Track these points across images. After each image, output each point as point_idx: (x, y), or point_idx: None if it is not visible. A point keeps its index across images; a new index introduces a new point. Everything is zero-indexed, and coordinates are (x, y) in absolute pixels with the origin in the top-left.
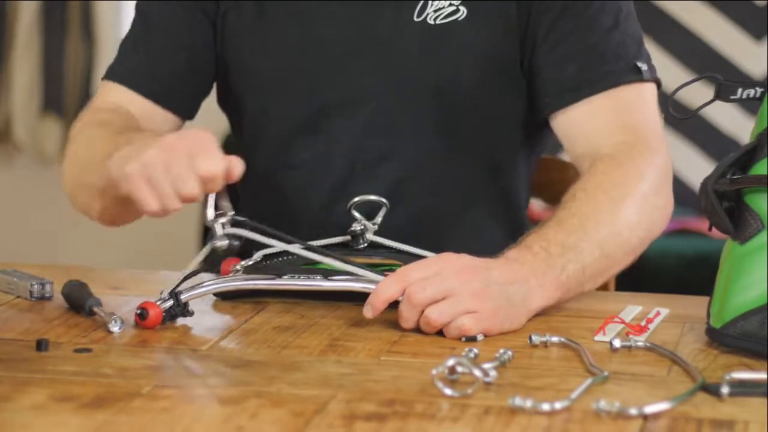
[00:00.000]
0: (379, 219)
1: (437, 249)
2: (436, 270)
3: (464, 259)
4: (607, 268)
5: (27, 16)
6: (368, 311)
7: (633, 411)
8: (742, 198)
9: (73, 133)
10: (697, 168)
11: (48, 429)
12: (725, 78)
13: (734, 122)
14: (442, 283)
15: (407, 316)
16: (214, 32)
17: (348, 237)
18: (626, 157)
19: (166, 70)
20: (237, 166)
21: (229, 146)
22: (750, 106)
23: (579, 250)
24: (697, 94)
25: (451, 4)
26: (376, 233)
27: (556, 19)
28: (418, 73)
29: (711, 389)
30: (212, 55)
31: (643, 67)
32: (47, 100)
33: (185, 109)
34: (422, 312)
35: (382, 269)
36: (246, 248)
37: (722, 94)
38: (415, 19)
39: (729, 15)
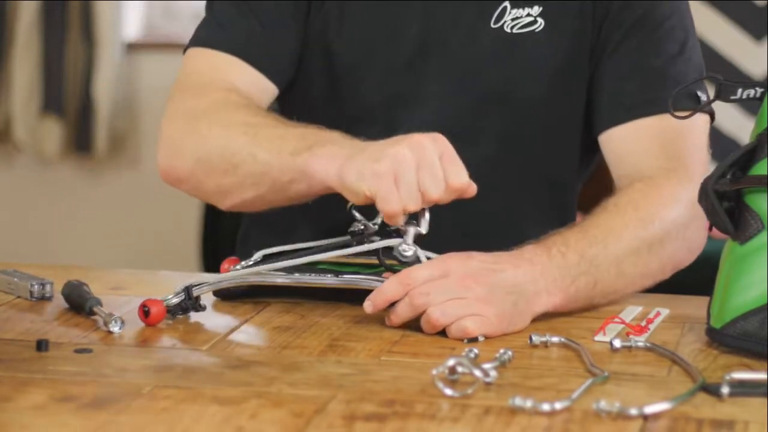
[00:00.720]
0: (379, 219)
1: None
2: (441, 273)
3: (471, 263)
4: (622, 287)
5: (27, 16)
6: (369, 307)
7: (633, 411)
8: (742, 198)
9: (189, 110)
10: None
11: (48, 429)
12: (725, 78)
13: (734, 122)
14: (446, 289)
15: (403, 315)
16: (306, 11)
17: (347, 237)
18: (665, 181)
19: (282, 47)
20: (473, 188)
21: None
22: (750, 106)
23: (596, 264)
24: None
25: (529, 15)
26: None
27: (626, 34)
28: (486, 79)
29: (711, 389)
30: (303, 33)
31: (703, 96)
32: (47, 100)
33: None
34: (420, 312)
35: (386, 269)
36: (245, 248)
37: (722, 94)
38: (492, 25)
39: (729, 15)
